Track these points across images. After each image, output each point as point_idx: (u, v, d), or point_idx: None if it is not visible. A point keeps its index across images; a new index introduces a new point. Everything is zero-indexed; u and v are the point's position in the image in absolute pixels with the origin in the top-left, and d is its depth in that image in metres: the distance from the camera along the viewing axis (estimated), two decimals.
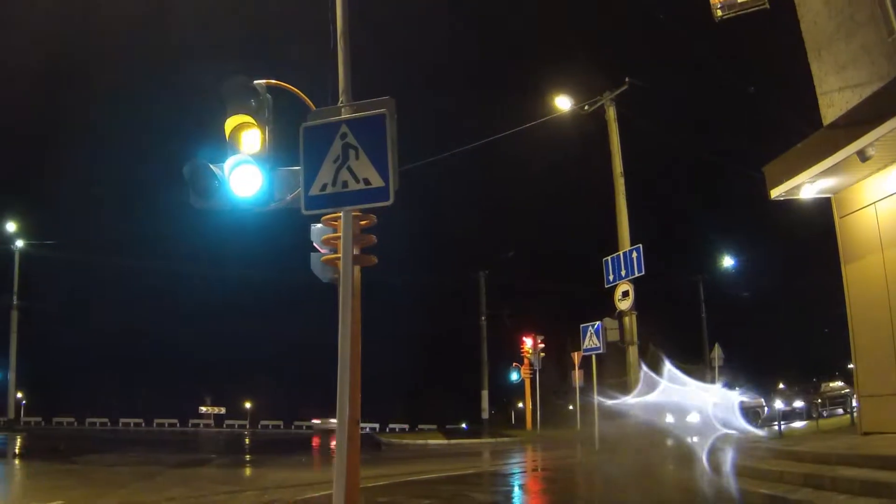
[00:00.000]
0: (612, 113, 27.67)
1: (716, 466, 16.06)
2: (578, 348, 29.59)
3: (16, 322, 50.68)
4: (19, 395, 59.54)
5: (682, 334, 59.38)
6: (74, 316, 60.90)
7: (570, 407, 48.76)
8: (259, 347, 74.27)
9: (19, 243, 51.60)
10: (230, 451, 36.93)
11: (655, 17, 27.47)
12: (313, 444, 41.19)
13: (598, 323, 26.31)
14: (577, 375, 41.15)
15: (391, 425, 68.50)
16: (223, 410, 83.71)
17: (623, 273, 24.38)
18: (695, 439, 24.70)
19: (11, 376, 51.27)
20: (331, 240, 9.49)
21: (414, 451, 37.13)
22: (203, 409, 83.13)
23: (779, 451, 15.34)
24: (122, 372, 70.79)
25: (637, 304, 24.90)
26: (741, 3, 18.33)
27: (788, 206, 18.91)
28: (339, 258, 8.82)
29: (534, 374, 53.06)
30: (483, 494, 15.12)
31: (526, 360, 54.32)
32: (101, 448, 32.78)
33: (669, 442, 24.62)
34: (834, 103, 16.59)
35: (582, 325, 27.16)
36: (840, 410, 39.05)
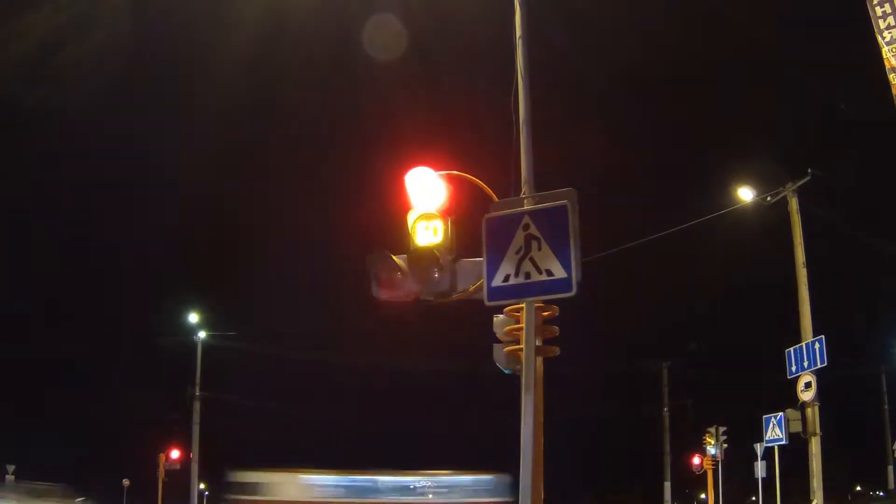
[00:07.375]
0: (794, 204, 27.06)
1: None
2: (761, 439, 28.88)
3: (198, 413, 51.57)
4: (202, 486, 60.54)
5: (861, 426, 57.38)
6: (256, 407, 62.10)
7: (753, 498, 47.10)
8: (441, 437, 74.21)
9: (202, 334, 52.92)
10: None
11: (837, 107, 26.93)
12: None
13: (780, 414, 25.68)
14: (760, 466, 39.90)
15: None
16: None
17: (805, 364, 23.78)
18: None
19: (194, 467, 52.23)
20: (513, 331, 9.38)
21: None
22: None
23: None
24: (304, 463, 71.94)
25: (819, 395, 24.14)
26: None
27: None
28: (521, 349, 8.75)
29: (716, 464, 51.65)
30: None
31: (708, 451, 52.92)
32: None
33: None
34: None
35: (765, 416, 26.59)
36: None
